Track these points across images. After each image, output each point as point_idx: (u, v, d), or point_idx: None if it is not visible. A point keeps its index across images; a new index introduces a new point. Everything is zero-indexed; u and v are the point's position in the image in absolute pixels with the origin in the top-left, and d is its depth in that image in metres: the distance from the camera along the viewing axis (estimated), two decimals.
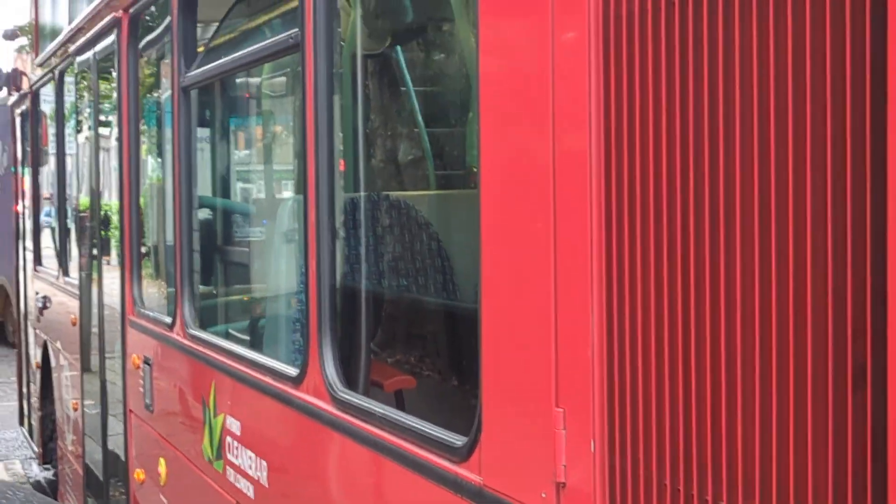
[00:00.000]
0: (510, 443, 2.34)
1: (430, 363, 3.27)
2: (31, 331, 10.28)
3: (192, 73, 4.80)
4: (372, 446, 2.98)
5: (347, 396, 3.21)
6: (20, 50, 12.14)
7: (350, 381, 3.30)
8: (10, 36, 11.02)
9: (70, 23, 7.77)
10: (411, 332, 3.58)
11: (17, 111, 11.13)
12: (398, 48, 4.37)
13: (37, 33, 9.67)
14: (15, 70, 11.01)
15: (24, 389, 11.01)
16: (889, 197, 1.43)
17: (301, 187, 3.51)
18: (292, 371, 3.59)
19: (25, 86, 10.35)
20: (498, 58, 2.37)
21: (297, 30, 3.50)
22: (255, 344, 4.66)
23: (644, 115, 1.91)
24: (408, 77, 4.36)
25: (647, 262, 1.90)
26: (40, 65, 9.30)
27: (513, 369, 2.32)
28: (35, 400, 10.15)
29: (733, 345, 1.72)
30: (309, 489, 3.57)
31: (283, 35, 3.71)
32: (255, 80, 5.45)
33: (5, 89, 11.08)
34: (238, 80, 5.16)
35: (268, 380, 3.81)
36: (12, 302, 17.68)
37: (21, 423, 11.38)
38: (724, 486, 1.74)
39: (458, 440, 2.55)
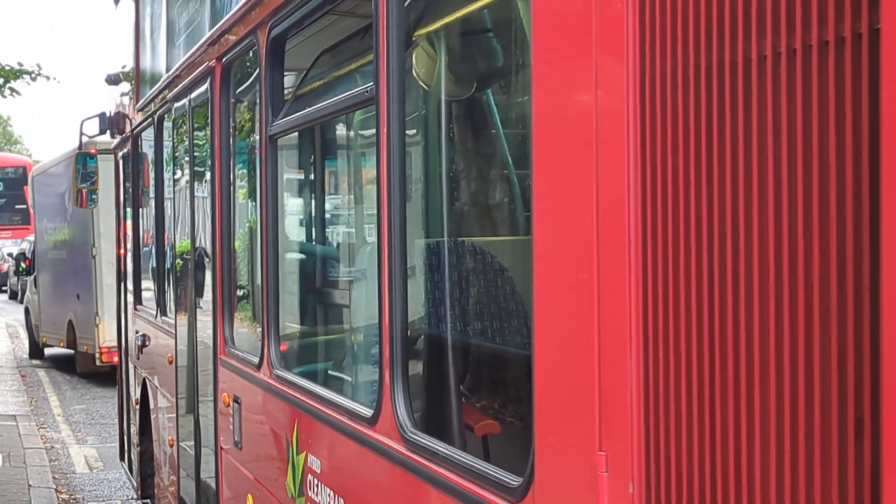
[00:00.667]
0: (560, 483, 2.44)
1: (499, 406, 3.37)
2: (131, 369, 10.56)
3: (279, 121, 4.98)
4: (437, 485, 3.10)
5: (416, 437, 3.32)
6: (123, 95, 12.53)
7: (420, 423, 3.42)
8: (114, 81, 11.39)
9: (168, 70, 8.04)
10: (484, 375, 3.69)
11: (119, 154, 11.48)
12: (486, 92, 4.49)
13: (137, 79, 9.99)
14: (118, 113, 11.35)
15: (125, 426, 11.29)
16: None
17: (377, 232, 3.65)
18: (367, 412, 3.72)
19: (127, 129, 10.68)
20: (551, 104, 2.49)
21: (372, 83, 3.65)
22: (335, 385, 4.79)
23: (675, 175, 2.01)
24: (496, 120, 4.48)
25: (679, 316, 1.99)
26: (140, 109, 9.61)
27: (561, 414, 2.42)
28: (135, 436, 10.41)
29: (756, 386, 1.80)
30: None
31: (359, 88, 3.86)
32: (341, 128, 5.60)
33: (109, 132, 11.44)
34: (324, 128, 5.32)
35: (345, 420, 3.94)
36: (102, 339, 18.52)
37: (122, 459, 11.66)
38: None
39: (514, 481, 2.65)
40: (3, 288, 41.75)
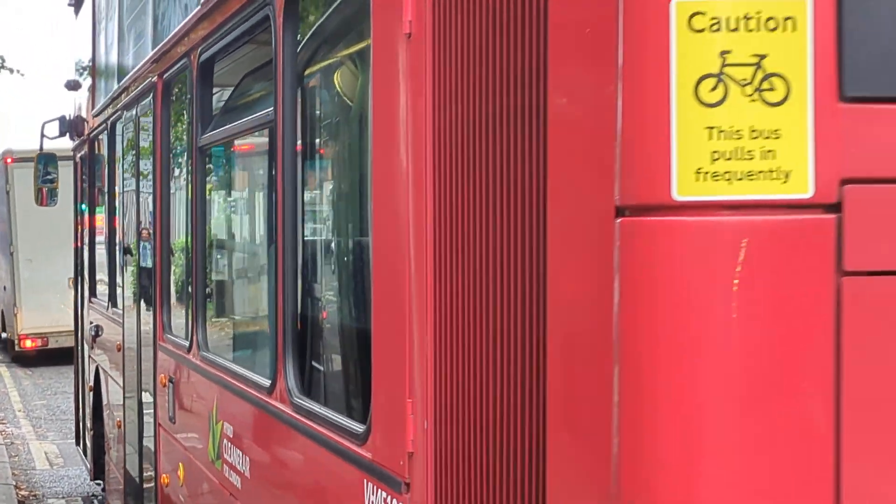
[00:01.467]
0: (386, 426, 3.19)
1: (356, 373, 4.11)
2: (86, 358, 11.27)
3: (206, 134, 5.72)
4: (313, 438, 3.85)
5: (300, 401, 4.08)
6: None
7: (303, 390, 4.17)
8: (73, 86, 12.06)
9: (119, 81, 8.75)
10: (346, 350, 4.42)
11: (78, 155, 12.17)
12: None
13: (94, 86, 10.68)
14: (77, 117, 12.05)
15: (81, 412, 11.99)
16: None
17: (273, 235, 4.40)
18: (266, 382, 4.47)
19: (85, 132, 11.37)
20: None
21: (271, 108, 4.40)
22: (246, 363, 5.53)
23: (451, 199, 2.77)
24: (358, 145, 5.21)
25: (456, 307, 2.75)
26: (96, 115, 10.31)
27: (386, 373, 3.18)
28: (89, 420, 11.11)
29: (497, 358, 2.56)
30: (272, 471, 4.45)
31: (263, 112, 4.62)
32: (254, 144, 6.34)
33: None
34: (241, 142, 6.05)
35: (251, 391, 4.69)
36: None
37: (77, 443, 12.35)
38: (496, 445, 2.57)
39: (360, 428, 3.41)
40: None
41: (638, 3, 2.01)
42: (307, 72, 4.37)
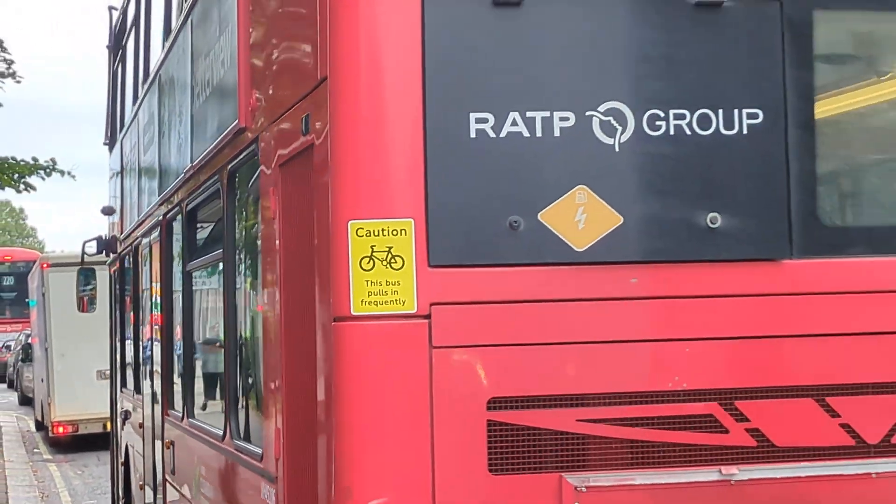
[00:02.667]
0: (269, 452, 5.45)
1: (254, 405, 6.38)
2: (120, 437, 13.56)
3: (192, 262, 8.05)
4: (239, 461, 6.13)
5: (237, 442, 6.34)
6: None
7: (241, 432, 6.44)
8: (108, 212, 14.51)
9: (139, 214, 11.14)
10: (256, 412, 6.69)
11: (112, 268, 14.58)
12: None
13: (122, 215, 13.10)
14: (113, 237, 14.47)
15: (115, 484, 14.25)
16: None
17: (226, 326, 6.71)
18: (219, 431, 6.74)
19: (117, 251, 13.78)
20: None
21: (221, 249, 6.72)
22: (212, 421, 7.78)
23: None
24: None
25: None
26: (123, 239, 12.72)
27: (269, 422, 5.47)
28: (121, 490, 13.37)
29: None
30: (219, 480, 6.75)
31: (217, 252, 6.96)
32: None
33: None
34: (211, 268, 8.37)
35: (210, 439, 6.96)
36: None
37: None
38: None
39: (259, 451, 5.67)
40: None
41: (332, 222, 4.30)
42: (238, 225, 6.66)
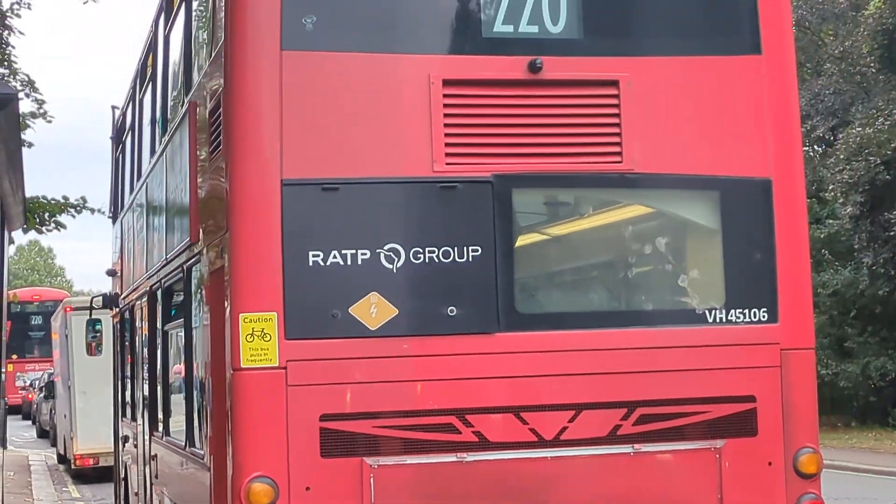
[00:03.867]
0: (214, 452, 8.67)
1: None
2: (120, 458, 16.76)
3: (167, 324, 11.28)
4: (192, 461, 9.33)
5: (191, 448, 9.54)
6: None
7: (191, 443, 9.63)
8: (112, 273, 17.80)
9: (134, 279, 14.38)
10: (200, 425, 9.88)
11: (115, 321, 17.82)
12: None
13: (122, 277, 16.35)
14: (115, 294, 17.72)
15: (117, 497, 17.43)
16: None
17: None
18: (201, 453, 9.95)
19: (118, 306, 17.02)
20: None
21: (182, 318, 9.94)
22: (177, 434, 10.96)
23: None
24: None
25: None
26: (124, 298, 15.97)
27: (199, 431, 8.69)
28: (122, 500, 16.56)
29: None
30: (178, 474, 9.95)
31: (180, 319, 10.19)
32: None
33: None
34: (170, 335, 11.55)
35: (178, 449, 10.18)
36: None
37: None
38: None
39: (202, 452, 8.89)
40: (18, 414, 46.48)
41: (231, 314, 7.51)
42: (192, 304, 9.87)
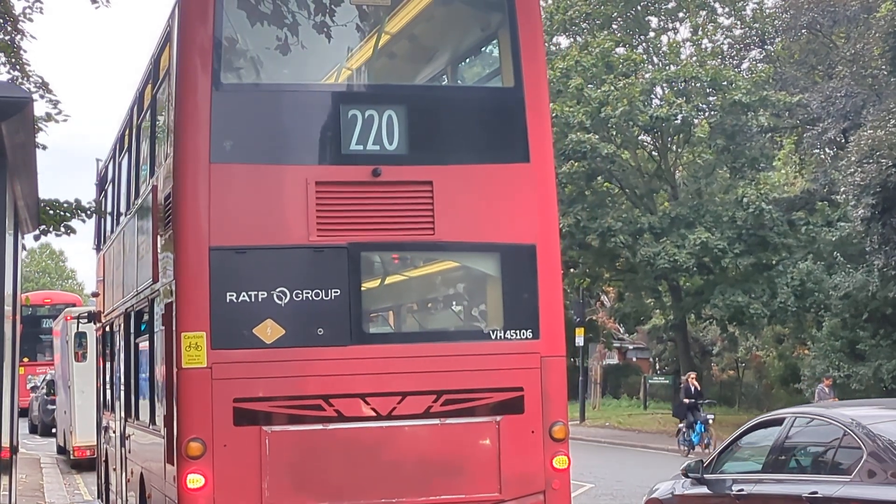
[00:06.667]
0: (156, 419, 12.76)
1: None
2: (102, 444, 20.76)
3: (138, 338, 15.34)
4: (156, 434, 13.41)
5: (157, 425, 13.62)
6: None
7: (154, 423, 13.70)
8: (95, 295, 21.87)
9: (114, 302, 18.41)
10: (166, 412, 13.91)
11: (98, 333, 21.85)
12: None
13: (103, 295, 20.38)
14: (98, 312, 21.76)
15: (100, 476, 21.43)
16: None
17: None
18: (147, 421, 14.02)
19: (101, 321, 21.06)
20: None
21: (148, 334, 14.01)
22: (144, 416, 15.00)
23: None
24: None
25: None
26: (106, 315, 20.02)
27: (168, 413, 12.79)
28: (102, 478, 20.57)
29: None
30: (144, 445, 14.07)
31: (146, 335, 14.27)
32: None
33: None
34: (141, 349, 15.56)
35: (144, 427, 14.22)
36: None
37: (98, 497, 21.76)
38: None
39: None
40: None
41: (176, 333, 11.59)
42: (154, 325, 13.92)
